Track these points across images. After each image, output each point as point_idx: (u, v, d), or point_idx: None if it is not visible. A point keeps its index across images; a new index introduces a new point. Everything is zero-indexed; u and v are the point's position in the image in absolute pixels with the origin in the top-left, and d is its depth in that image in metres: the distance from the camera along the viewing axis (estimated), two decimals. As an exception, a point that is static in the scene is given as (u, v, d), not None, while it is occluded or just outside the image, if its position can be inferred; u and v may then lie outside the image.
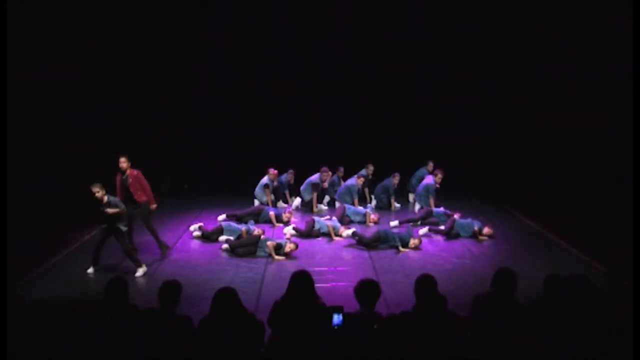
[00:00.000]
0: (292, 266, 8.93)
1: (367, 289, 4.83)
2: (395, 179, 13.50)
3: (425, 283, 5.06)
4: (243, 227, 10.61)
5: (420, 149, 14.52)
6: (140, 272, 8.67)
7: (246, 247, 9.82)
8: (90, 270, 8.72)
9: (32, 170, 8.64)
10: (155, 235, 9.70)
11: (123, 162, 9.25)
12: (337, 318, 4.46)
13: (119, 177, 9.37)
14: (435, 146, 14.60)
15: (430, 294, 4.61)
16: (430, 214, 12.04)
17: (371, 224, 11.89)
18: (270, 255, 9.64)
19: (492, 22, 13.49)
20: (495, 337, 3.47)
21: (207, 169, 14.95)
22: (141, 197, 9.38)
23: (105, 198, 8.39)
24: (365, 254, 10.00)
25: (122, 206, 8.60)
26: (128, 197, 9.26)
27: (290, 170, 13.95)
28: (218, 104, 14.78)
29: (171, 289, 4.92)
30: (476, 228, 10.93)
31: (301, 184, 13.48)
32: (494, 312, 4.69)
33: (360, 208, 12.41)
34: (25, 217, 8.22)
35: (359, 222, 12.01)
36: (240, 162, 14.78)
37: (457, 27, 14.15)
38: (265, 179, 13.22)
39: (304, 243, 10.44)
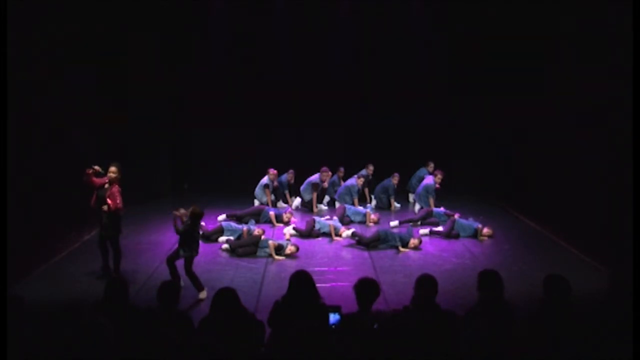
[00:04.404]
0: (292, 266, 8.94)
1: (367, 288, 4.80)
2: (395, 179, 13.51)
3: (425, 283, 5.05)
4: (244, 227, 10.62)
5: (420, 149, 14.53)
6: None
7: (246, 247, 9.82)
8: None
9: (32, 169, 8.62)
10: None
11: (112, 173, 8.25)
12: (333, 317, 4.48)
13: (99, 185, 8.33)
14: (435, 146, 14.60)
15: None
16: (430, 214, 12.05)
17: (371, 224, 11.89)
18: (270, 256, 9.65)
19: (491, 23, 13.48)
20: (494, 337, 3.48)
21: (207, 169, 14.94)
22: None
23: None
24: (365, 254, 10.00)
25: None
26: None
27: (290, 170, 13.95)
28: (218, 103, 14.76)
29: (170, 289, 4.93)
30: (477, 227, 10.94)
31: (301, 184, 13.48)
32: (488, 313, 4.69)
33: (360, 208, 12.42)
34: (25, 217, 8.20)
35: (359, 222, 12.02)
36: (240, 162, 14.77)
37: (457, 27, 14.15)
38: (265, 179, 13.23)
39: (304, 243, 10.45)
